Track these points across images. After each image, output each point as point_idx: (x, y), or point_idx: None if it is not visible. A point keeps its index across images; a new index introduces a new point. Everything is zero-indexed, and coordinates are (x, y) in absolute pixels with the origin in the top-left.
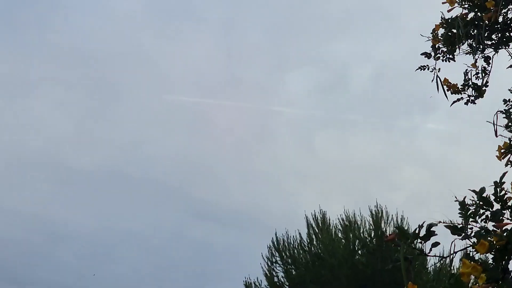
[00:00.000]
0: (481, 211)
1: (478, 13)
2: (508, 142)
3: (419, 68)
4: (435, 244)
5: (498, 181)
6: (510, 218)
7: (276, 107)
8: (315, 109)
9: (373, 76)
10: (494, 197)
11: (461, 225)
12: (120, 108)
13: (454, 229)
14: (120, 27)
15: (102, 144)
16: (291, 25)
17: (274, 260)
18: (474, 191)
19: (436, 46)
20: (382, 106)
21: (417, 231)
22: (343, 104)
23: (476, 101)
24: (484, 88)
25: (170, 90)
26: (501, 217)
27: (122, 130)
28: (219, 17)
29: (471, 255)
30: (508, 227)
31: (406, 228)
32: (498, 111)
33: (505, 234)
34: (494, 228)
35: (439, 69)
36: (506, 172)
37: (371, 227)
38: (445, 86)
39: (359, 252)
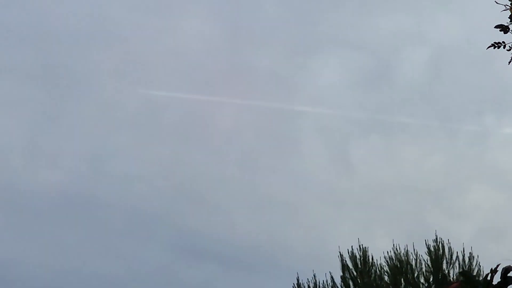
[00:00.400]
0: None
1: None
2: None
3: (492, 45)
4: None
5: None
6: None
7: (299, 106)
8: (352, 109)
9: (429, 64)
10: None
11: None
12: (84, 108)
13: None
14: None
15: (61, 156)
16: None
17: None
18: None
19: None
20: (442, 105)
21: (488, 278)
22: (389, 102)
23: None
24: None
25: (153, 83)
26: None
27: (88, 138)
28: None
29: None
30: None
31: (475, 272)
32: None
33: None
34: None
35: None
36: None
37: (429, 269)
38: None
39: None
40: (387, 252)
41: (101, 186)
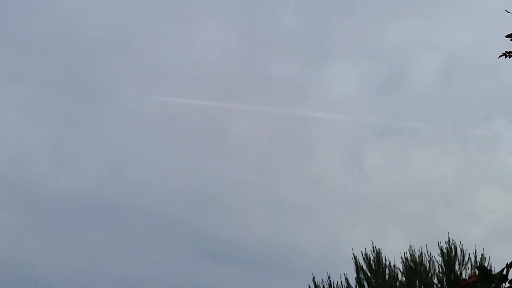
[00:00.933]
0: None
1: None
2: None
3: (504, 54)
4: None
5: None
6: None
7: (314, 112)
8: (366, 115)
9: (442, 71)
10: None
11: None
12: (106, 115)
13: None
14: (107, 8)
15: (84, 162)
16: (333, 2)
17: None
18: None
19: None
20: (454, 110)
21: (504, 272)
22: (402, 108)
23: None
24: None
25: (173, 91)
26: None
27: (110, 144)
28: None
29: None
30: None
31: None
32: None
33: None
34: None
35: None
36: None
37: (442, 269)
38: None
39: None
40: (403, 253)
41: (123, 190)
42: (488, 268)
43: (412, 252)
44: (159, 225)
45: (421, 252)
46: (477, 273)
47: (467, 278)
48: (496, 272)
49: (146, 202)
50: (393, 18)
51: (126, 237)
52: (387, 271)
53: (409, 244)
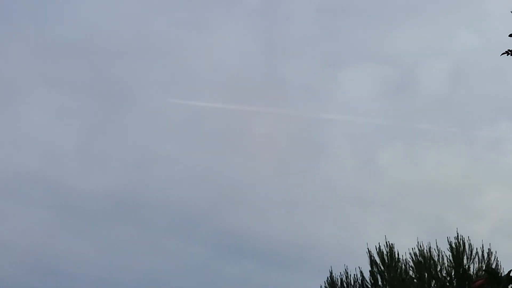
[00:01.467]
0: None
1: None
2: None
3: (506, 52)
4: None
5: None
6: None
7: (329, 115)
8: (377, 117)
9: (449, 75)
10: None
11: None
12: (133, 118)
13: None
14: (132, 16)
15: (112, 162)
16: (346, 11)
17: None
18: None
19: None
20: (461, 112)
21: (511, 274)
22: (412, 111)
23: None
24: None
25: (194, 94)
26: None
27: (136, 145)
28: (256, 2)
29: None
30: None
31: (494, 265)
32: None
33: None
34: None
35: None
36: None
37: (451, 263)
38: None
39: None
40: (413, 248)
41: (148, 189)
42: (495, 262)
43: (420, 247)
44: (183, 221)
45: (429, 247)
46: (484, 271)
47: (475, 274)
48: (501, 269)
49: (170, 199)
50: (403, 25)
51: (152, 232)
52: (400, 265)
53: (417, 239)
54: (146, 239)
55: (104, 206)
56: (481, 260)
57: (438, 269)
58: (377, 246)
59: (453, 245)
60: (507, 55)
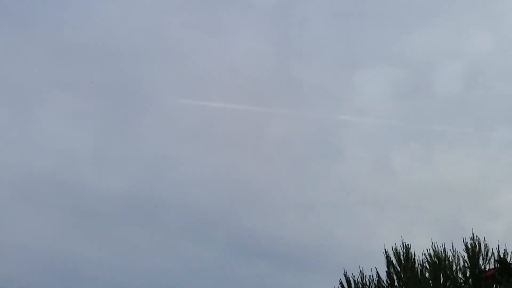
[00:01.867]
0: None
1: None
2: None
3: None
4: None
5: None
6: None
7: (344, 116)
8: (393, 118)
9: (464, 76)
10: None
11: None
12: (146, 119)
13: None
14: (146, 18)
15: (126, 164)
16: (362, 12)
17: None
18: None
19: None
20: (477, 113)
21: None
22: (427, 112)
23: None
24: None
25: (208, 95)
26: None
27: (150, 147)
28: (271, 3)
29: None
30: None
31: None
32: None
33: None
34: None
35: None
36: None
37: (466, 264)
38: None
39: None
40: (428, 249)
41: (163, 190)
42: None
43: (435, 248)
44: (197, 223)
45: (444, 247)
46: (496, 261)
47: (487, 270)
48: None
49: (184, 201)
50: (418, 26)
51: (166, 234)
52: (416, 265)
53: (431, 240)
54: (161, 241)
55: (119, 209)
56: (497, 260)
57: (454, 269)
58: (394, 247)
59: (469, 246)
60: None
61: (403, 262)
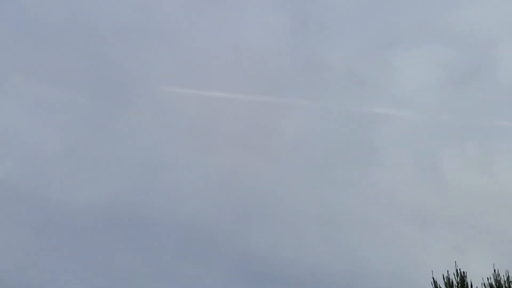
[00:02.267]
0: None
1: None
2: None
3: None
4: None
5: None
6: None
7: (380, 109)
8: (442, 112)
9: None
10: None
11: None
12: (135, 113)
13: None
14: None
15: (108, 168)
16: None
17: None
18: None
19: None
20: None
21: None
22: (486, 104)
23: None
24: None
25: (210, 83)
26: None
27: (139, 147)
28: None
29: None
30: None
31: None
32: None
33: None
34: None
35: None
36: None
37: None
38: None
39: None
40: (489, 278)
41: (153, 201)
42: None
43: (497, 276)
44: (196, 241)
45: (508, 275)
46: None
47: None
48: None
49: (180, 214)
50: None
51: (157, 255)
52: None
53: (493, 267)
54: (150, 263)
55: (98, 224)
56: None
57: None
58: (445, 275)
59: None
60: None
61: None
